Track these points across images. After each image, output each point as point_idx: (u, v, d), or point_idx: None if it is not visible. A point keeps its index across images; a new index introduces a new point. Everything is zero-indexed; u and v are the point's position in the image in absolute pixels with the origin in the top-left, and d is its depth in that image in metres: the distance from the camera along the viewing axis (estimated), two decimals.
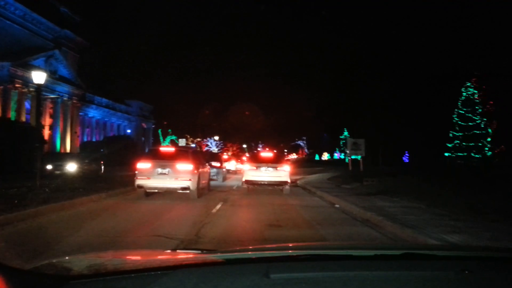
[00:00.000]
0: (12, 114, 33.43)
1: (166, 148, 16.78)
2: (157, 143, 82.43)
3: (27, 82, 34.61)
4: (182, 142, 42.09)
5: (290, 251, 1.95)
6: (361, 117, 60.86)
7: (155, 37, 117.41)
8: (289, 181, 14.37)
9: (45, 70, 38.06)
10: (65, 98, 40.45)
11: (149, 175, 11.68)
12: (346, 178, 19.42)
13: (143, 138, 71.42)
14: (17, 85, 33.53)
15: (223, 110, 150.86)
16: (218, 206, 10.35)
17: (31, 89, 35.30)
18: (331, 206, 11.08)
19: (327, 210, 10.27)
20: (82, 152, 42.97)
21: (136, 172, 11.85)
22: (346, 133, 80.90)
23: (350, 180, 17.92)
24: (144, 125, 73.32)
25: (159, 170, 11.69)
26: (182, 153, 12.90)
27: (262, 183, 14.24)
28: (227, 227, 7.59)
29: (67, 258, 1.70)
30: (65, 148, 40.46)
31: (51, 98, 38.98)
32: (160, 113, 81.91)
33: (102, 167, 27.80)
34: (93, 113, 55.52)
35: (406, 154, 68.26)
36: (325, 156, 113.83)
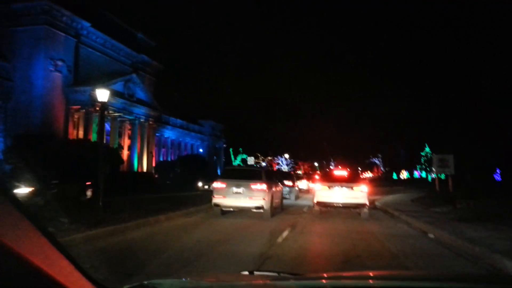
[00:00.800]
0: (93, 136, 35.24)
1: (240, 167, 17.17)
2: (229, 162, 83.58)
3: (107, 105, 36.54)
4: (250, 160, 41.41)
5: (371, 282, 1.83)
6: (445, 131, 55.94)
7: (228, 57, 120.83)
8: (367, 203, 12.74)
9: (124, 94, 40.55)
10: (142, 120, 42.07)
11: (225, 194, 12.07)
12: (433, 200, 16.98)
13: (215, 157, 72.46)
14: (98, 109, 35.38)
15: (295, 129, 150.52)
16: (285, 234, 9.05)
17: (111, 111, 37.20)
18: (422, 235, 9.21)
19: (418, 241, 8.44)
20: (157, 171, 44.43)
21: (213, 191, 12.36)
22: (427, 149, 75.30)
23: (439, 202, 15.52)
24: (215, 144, 74.39)
25: (234, 189, 12.01)
26: (255, 173, 13.25)
27: (336, 205, 12.80)
28: (294, 261, 6.35)
29: (158, 280, 1.70)
30: (142, 168, 41.87)
31: (129, 120, 40.72)
32: (231, 132, 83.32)
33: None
34: (168, 133, 57.46)
35: (498, 172, 61.13)
36: (404, 174, 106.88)
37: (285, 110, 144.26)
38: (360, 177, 15.76)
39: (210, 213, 12.79)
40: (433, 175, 77.38)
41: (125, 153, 41.00)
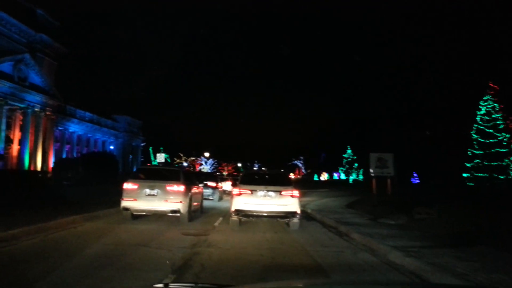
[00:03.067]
0: None
1: (155, 167, 15.67)
2: (147, 161, 77.62)
3: None
4: (161, 158, 37.15)
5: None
6: (367, 134, 56.43)
7: (146, 50, 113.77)
8: (298, 211, 10.16)
9: (13, 76, 33.87)
10: (37, 109, 35.61)
11: (136, 196, 10.71)
12: (374, 206, 14.55)
13: (130, 156, 66.42)
14: None
15: (218, 129, 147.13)
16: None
17: None
18: (408, 274, 5.69)
19: None
20: (56, 170, 38.06)
21: (122, 192, 10.77)
22: (349, 151, 76.48)
23: (385, 209, 13.05)
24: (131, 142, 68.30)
25: (147, 191, 10.73)
26: (172, 173, 11.90)
27: (260, 214, 10.15)
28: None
29: None
30: (35, 166, 35.40)
31: (20, 108, 34.14)
32: (151, 130, 77.58)
33: None
34: (75, 127, 50.83)
35: (415, 175, 63.11)
36: (324, 176, 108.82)
37: (210, 111, 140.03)
38: (290, 179, 12.60)
39: (115, 218, 11.03)
40: (347, 176, 78.84)
41: (14, 148, 34.38)
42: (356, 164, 76.90)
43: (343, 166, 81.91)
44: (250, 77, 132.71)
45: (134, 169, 67.42)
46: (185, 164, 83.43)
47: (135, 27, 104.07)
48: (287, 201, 10.03)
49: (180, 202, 10.71)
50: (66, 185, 30.14)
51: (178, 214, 10.77)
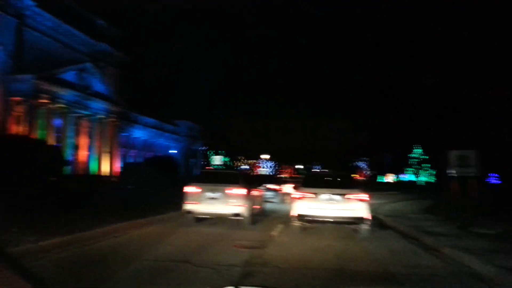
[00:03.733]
0: (39, 133, 29.86)
1: (216, 170, 15.57)
2: (208, 165, 78.51)
3: (55, 97, 31.24)
4: (217, 160, 36.63)
5: None
6: (441, 130, 52.13)
7: (211, 57, 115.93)
8: (368, 216, 9.24)
9: (76, 85, 35.24)
10: (101, 116, 36.75)
11: (199, 199, 10.83)
12: (457, 211, 12.37)
13: (191, 160, 67.35)
14: (42, 101, 30.06)
15: (277, 131, 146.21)
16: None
17: (61, 105, 31.90)
18: None
19: None
20: (122, 174, 39.09)
21: (185, 196, 10.93)
22: (419, 150, 71.67)
23: (469, 215, 10.93)
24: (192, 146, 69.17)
25: (209, 194, 10.80)
26: (234, 176, 11.89)
27: (324, 219, 9.43)
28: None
29: None
30: (101, 170, 36.52)
31: (86, 115, 35.38)
32: (212, 134, 78.47)
33: None
34: (139, 133, 52.29)
35: (493, 175, 57.13)
36: (390, 177, 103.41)
37: (269, 113, 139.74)
38: (357, 181, 11.74)
39: (174, 223, 11.16)
40: (416, 178, 73.45)
41: (82, 154, 35.69)
42: (428, 164, 71.65)
43: (411, 167, 76.82)
44: (310, 77, 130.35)
45: (194, 173, 68.65)
46: (244, 167, 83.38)
47: (191, 34, 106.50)
48: (354, 206, 9.23)
49: (242, 205, 10.63)
50: (130, 189, 30.59)
51: (240, 218, 10.70)
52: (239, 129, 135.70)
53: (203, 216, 11.03)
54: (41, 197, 16.22)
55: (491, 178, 57.43)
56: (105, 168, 37.39)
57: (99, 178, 33.57)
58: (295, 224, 9.64)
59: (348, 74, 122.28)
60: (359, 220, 9.12)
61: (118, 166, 40.24)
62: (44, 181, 21.40)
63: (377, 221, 11.59)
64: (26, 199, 15.08)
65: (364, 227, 9.18)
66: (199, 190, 10.89)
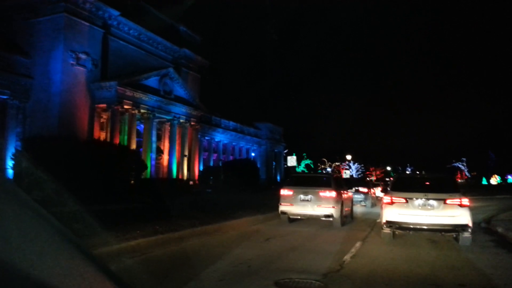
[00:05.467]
0: (122, 138, 30.69)
1: (308, 174, 16.23)
2: (291, 167, 76.88)
3: (138, 103, 31.92)
4: (292, 161, 34.78)
5: None
6: None
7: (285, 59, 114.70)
8: (470, 224, 8.29)
9: (159, 90, 35.77)
10: (182, 120, 37.02)
11: (292, 201, 11.70)
12: None
13: (274, 163, 66.21)
14: (126, 107, 30.83)
15: (365, 133, 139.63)
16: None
17: (143, 110, 32.55)
18: None
19: None
20: (201, 178, 39.09)
21: (280, 198, 11.95)
22: None
23: None
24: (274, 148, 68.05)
25: (302, 196, 11.64)
26: (324, 180, 12.66)
27: (418, 227, 8.56)
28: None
29: None
30: (182, 174, 36.75)
31: (167, 120, 35.86)
32: (294, 136, 76.73)
33: None
34: (220, 137, 52.49)
35: None
36: (495, 179, 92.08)
37: (353, 114, 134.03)
38: (456, 184, 10.16)
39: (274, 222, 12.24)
40: None
41: (165, 158, 36.21)
42: None
43: None
44: (403, 72, 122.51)
45: (278, 176, 67.46)
46: (329, 169, 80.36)
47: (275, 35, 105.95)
48: (454, 212, 8.34)
49: (333, 207, 11.21)
50: (208, 193, 30.08)
51: (330, 219, 11.32)
52: (322, 131, 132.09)
53: (296, 217, 11.97)
54: (125, 201, 16.20)
55: None
56: (185, 171, 37.55)
57: (178, 181, 33.63)
58: (385, 231, 8.94)
59: (447, 68, 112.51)
60: (460, 227, 8.23)
61: (198, 170, 40.32)
62: (125, 185, 21.58)
63: (498, 237, 8.90)
64: (111, 202, 15.14)
65: (466, 235, 8.25)
66: (292, 192, 11.77)
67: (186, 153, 36.99)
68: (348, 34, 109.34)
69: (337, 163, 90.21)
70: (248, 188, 31.90)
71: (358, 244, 8.26)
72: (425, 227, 8.51)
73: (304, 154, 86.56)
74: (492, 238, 9.02)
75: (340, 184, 13.22)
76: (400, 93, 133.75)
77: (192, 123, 38.78)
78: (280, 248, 7.80)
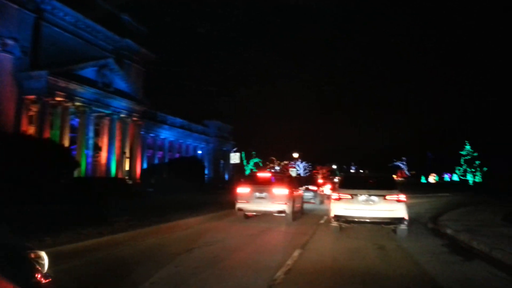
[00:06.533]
0: (54, 133, 28.08)
1: (262, 173, 16.34)
2: (241, 165, 76.01)
3: (73, 95, 29.41)
4: (235, 158, 34.32)
5: None
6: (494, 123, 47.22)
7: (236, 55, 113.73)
8: (406, 217, 9.38)
9: (97, 82, 33.27)
10: (122, 115, 34.78)
11: (248, 199, 12.38)
12: None
13: (222, 161, 65.00)
14: (58, 99, 28.26)
15: (311, 132, 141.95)
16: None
17: (78, 103, 30.07)
18: None
19: None
20: (143, 177, 37.08)
21: (236, 196, 12.67)
22: (468, 147, 65.88)
23: None
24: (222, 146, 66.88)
25: (257, 194, 12.33)
26: (278, 178, 13.52)
27: (362, 220, 9.73)
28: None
29: None
30: (122, 173, 34.55)
31: (107, 114, 33.50)
32: (244, 135, 75.86)
33: None
34: (166, 134, 50.40)
35: None
36: (433, 178, 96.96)
37: (302, 114, 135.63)
38: (395, 182, 11.29)
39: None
40: (461, 178, 67.58)
41: (103, 156, 33.82)
42: (477, 162, 65.46)
43: (459, 165, 70.91)
44: (344, 74, 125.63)
45: (226, 174, 66.30)
46: (276, 168, 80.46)
47: (216, 31, 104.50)
48: (392, 206, 9.46)
49: (285, 204, 12.03)
50: (149, 193, 28.32)
51: (283, 214, 12.09)
52: (273, 130, 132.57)
53: (252, 213, 12.73)
54: (50, 202, 14.57)
55: None
56: (126, 170, 35.40)
57: (118, 180, 31.51)
58: (332, 224, 10.01)
59: (388, 72, 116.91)
60: (398, 220, 9.34)
61: (140, 168, 38.21)
62: (52, 185, 19.51)
63: (450, 241, 8.39)
64: (36, 202, 13.60)
65: (402, 227, 9.38)
66: (248, 190, 12.45)
67: (127, 150, 34.83)
68: (301, 29, 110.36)
69: (285, 162, 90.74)
70: (193, 187, 30.57)
71: (306, 238, 8.96)
72: (368, 220, 9.60)
73: (254, 152, 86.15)
74: (443, 242, 8.49)
75: (292, 183, 13.97)
76: (345, 94, 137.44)
77: (134, 118, 36.62)
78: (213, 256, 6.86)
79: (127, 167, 35.22)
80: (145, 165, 40.92)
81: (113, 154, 33.59)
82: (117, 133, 34.27)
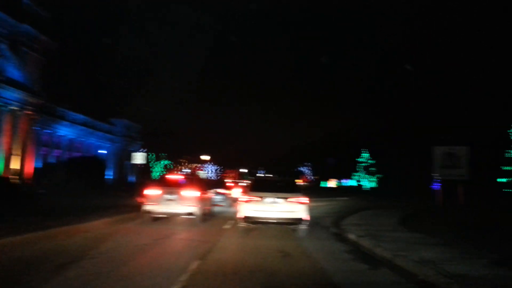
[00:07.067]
0: None
1: (173, 175, 16.49)
2: (147, 166, 73.00)
3: None
4: (138, 158, 33.02)
5: None
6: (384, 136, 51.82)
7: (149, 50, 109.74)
8: (305, 217, 10.42)
9: None
10: (14, 107, 31.07)
11: (158, 201, 12.26)
12: (463, 228, 9.74)
13: (128, 162, 61.79)
14: None
15: (222, 136, 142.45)
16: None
17: None
18: None
19: None
20: (36, 177, 33.52)
21: (145, 198, 12.42)
22: (366, 154, 71.41)
23: (482, 234, 8.24)
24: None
25: (167, 196, 12.28)
26: (188, 181, 13.74)
27: (268, 221, 10.60)
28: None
29: None
30: (10, 172, 30.79)
31: None
32: (153, 135, 72.99)
33: None
34: (66, 131, 46.40)
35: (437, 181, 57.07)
36: (333, 182, 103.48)
37: (213, 117, 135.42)
38: (297, 186, 12.36)
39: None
40: (358, 183, 73.62)
41: None
42: (373, 169, 71.58)
43: (357, 171, 76.87)
44: (253, 81, 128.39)
45: (132, 177, 63.08)
46: (186, 170, 79.21)
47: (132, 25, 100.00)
48: (294, 208, 10.31)
49: (195, 206, 12.24)
50: (40, 194, 25.52)
51: (193, 216, 12.28)
52: (183, 131, 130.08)
53: (160, 215, 12.51)
54: None
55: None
56: (16, 169, 31.70)
57: (5, 180, 27.95)
58: (241, 225, 10.64)
59: (292, 78, 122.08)
60: (298, 221, 10.26)
61: (32, 167, 34.46)
62: None
63: (354, 247, 8.68)
64: None
65: (302, 227, 10.35)
66: (157, 192, 12.38)
67: (17, 147, 31.17)
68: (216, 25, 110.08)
69: (197, 165, 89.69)
70: (92, 190, 28.40)
71: (215, 239, 9.22)
72: (274, 221, 10.39)
73: (162, 154, 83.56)
74: (347, 248, 8.73)
75: (202, 185, 14.20)
76: (253, 100, 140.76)
77: (28, 112, 32.95)
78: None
79: (16, 166, 31.46)
80: (39, 164, 37.05)
81: (0, 151, 29.79)
82: (6, 128, 30.49)
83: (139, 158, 33.83)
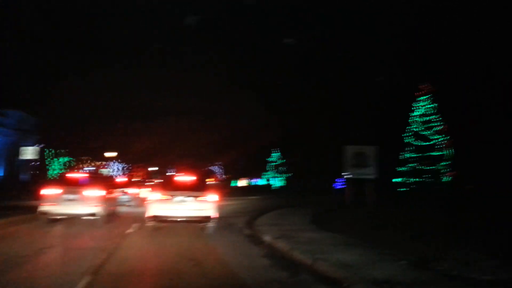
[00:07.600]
0: None
1: (74, 173, 15.42)
2: (43, 164, 66.71)
3: None
4: (26, 153, 30.10)
5: None
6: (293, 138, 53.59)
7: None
8: (213, 215, 10.57)
9: None
10: None
11: (56, 201, 11.55)
12: (375, 227, 9.81)
13: (19, 158, 55.46)
14: None
15: (129, 133, 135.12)
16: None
17: None
18: None
19: None
20: None
21: (41, 198, 11.74)
22: (278, 153, 73.16)
23: (395, 233, 8.26)
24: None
25: (67, 196, 11.65)
26: (91, 179, 13.03)
27: (176, 219, 10.61)
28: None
29: None
30: None
31: None
32: (52, 129, 66.59)
33: None
34: None
35: (341, 181, 60.09)
36: (243, 181, 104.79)
37: (118, 112, 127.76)
38: (206, 184, 13.05)
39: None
40: (267, 182, 75.88)
41: None
42: (283, 168, 73.93)
43: (267, 171, 79.04)
44: (159, 74, 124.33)
45: (20, 175, 56.75)
46: (90, 168, 74.10)
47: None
48: (202, 206, 10.50)
49: (98, 206, 11.67)
50: None
51: (97, 217, 11.66)
52: (86, 128, 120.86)
53: (58, 217, 11.72)
54: None
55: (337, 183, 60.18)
56: None
57: None
58: (149, 224, 10.60)
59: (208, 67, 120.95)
60: (207, 219, 10.43)
61: None
62: None
63: (270, 250, 8.17)
64: None
65: (210, 224, 10.53)
66: (56, 192, 11.66)
67: None
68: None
69: (102, 162, 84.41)
70: None
71: (115, 245, 8.57)
72: (183, 219, 10.50)
73: (63, 150, 77.00)
74: (263, 251, 8.18)
75: (107, 185, 13.72)
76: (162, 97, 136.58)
77: None
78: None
79: None
80: None
81: None
82: None
83: (29, 153, 30.21)
